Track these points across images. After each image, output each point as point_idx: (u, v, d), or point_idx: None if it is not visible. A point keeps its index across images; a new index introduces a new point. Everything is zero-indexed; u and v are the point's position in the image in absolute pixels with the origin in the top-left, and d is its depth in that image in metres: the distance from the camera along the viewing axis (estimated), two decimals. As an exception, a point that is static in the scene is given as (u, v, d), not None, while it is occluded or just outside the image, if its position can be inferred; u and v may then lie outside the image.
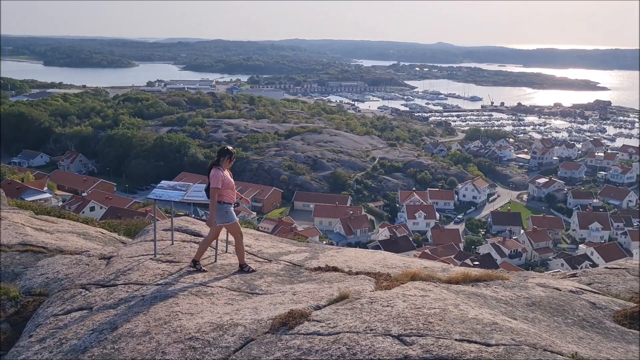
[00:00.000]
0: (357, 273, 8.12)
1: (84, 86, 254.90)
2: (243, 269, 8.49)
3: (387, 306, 5.47)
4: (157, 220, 11.55)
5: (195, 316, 6.59)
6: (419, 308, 5.22)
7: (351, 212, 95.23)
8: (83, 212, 60.85)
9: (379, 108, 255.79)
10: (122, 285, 8.01)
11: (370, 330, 5.02)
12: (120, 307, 7.21)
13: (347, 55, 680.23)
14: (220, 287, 7.75)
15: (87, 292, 7.96)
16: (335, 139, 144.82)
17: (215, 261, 9.05)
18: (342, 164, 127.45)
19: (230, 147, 8.65)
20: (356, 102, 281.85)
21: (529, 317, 7.43)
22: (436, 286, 7.57)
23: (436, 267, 10.00)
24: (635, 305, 9.33)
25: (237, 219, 8.67)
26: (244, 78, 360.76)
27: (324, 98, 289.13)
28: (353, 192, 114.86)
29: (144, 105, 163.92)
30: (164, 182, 9.88)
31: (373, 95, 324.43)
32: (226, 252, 9.62)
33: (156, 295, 7.39)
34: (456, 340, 4.42)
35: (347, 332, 5.11)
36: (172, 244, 9.83)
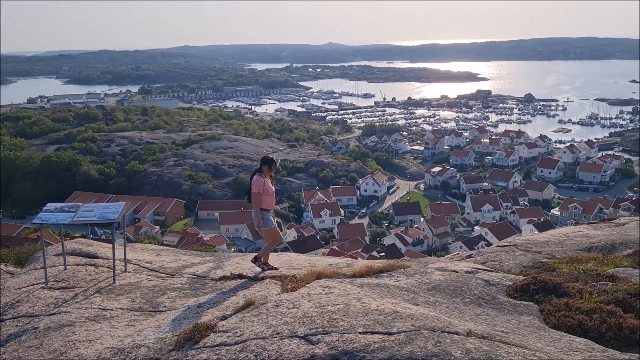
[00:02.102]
0: (262, 278, 8.09)
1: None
2: (256, 261, 8.69)
3: (293, 308, 5.50)
4: (50, 244, 10.82)
5: (94, 343, 6.24)
6: (323, 306, 5.30)
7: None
8: (-36, 245, 55.64)
9: (276, 111, 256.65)
10: (11, 320, 7.41)
11: (277, 334, 5.01)
12: (10, 344, 6.67)
13: (240, 60, 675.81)
14: (120, 308, 7.39)
15: (-31, 332, 7.28)
16: (235, 144, 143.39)
17: (113, 282, 8.63)
18: (244, 169, 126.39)
19: (272, 156, 8.83)
20: (253, 106, 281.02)
21: (430, 301, 7.77)
22: (341, 282, 7.72)
23: (341, 263, 10.19)
24: (524, 278, 10.06)
25: (275, 224, 8.76)
26: (135, 89, 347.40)
27: (220, 104, 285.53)
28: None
29: (26, 124, 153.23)
30: (50, 205, 9.27)
31: (269, 98, 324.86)
32: (125, 271, 9.21)
33: (49, 326, 6.91)
34: (360, 333, 4.53)
35: (254, 339, 5.07)
36: (66, 269, 9.25)
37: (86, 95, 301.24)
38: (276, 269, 8.58)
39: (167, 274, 9.14)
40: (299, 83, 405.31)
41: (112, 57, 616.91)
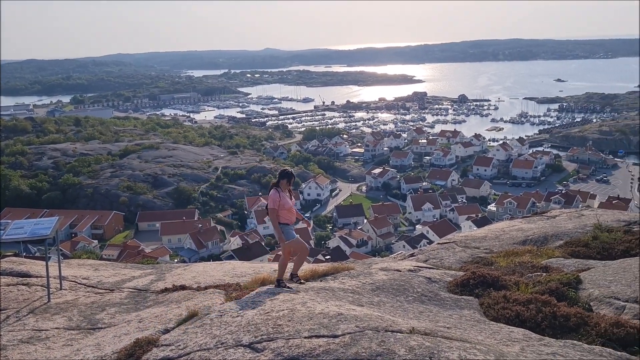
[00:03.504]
0: (206, 288, 7.95)
1: None
2: (292, 278, 8.36)
3: (237, 316, 5.41)
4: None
5: (28, 366, 5.93)
6: (268, 313, 5.25)
7: (200, 225, 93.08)
8: None
9: (215, 117, 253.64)
10: None
11: (222, 344, 4.92)
12: None
13: (176, 67, 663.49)
14: (56, 328, 7.07)
15: None
16: (174, 153, 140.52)
17: (48, 301, 8.25)
18: (185, 177, 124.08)
19: (290, 170, 8.55)
20: (192, 114, 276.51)
21: (374, 301, 7.86)
22: (286, 287, 7.70)
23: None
24: (464, 273, 10.34)
25: (297, 236, 8.39)
26: (66, 99, 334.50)
27: (158, 112, 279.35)
28: (199, 205, 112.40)
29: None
30: (-25, 223, 8.76)
31: (208, 105, 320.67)
32: (60, 289, 8.83)
33: (-22, 352, 6.52)
34: (305, 337, 4.51)
35: (198, 350, 4.96)
36: (-5, 290, 8.76)
37: (14, 106, 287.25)
38: (303, 283, 8.27)
39: (106, 289, 8.83)
40: (238, 89, 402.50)
41: (40, 66, 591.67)
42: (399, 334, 4.51)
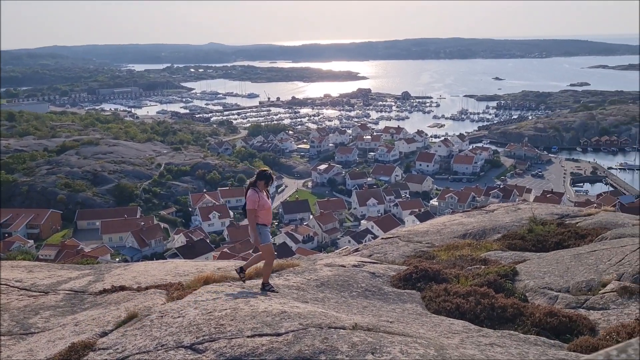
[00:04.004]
0: (147, 288, 7.74)
1: None
2: (265, 287, 7.78)
3: (179, 317, 5.27)
4: None
5: (-46, 376, 5.61)
6: (210, 312, 5.14)
7: (142, 223, 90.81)
8: None
9: (158, 113, 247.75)
10: None
11: (162, 346, 4.79)
12: None
13: (116, 60, 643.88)
14: (-15, 334, 6.71)
15: None
16: (115, 149, 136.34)
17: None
18: (126, 174, 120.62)
19: (269, 171, 8.23)
20: (133, 109, 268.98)
21: (319, 298, 7.88)
22: (230, 286, 7.60)
23: (230, 267, 10.05)
24: (407, 268, 10.53)
25: (272, 240, 8.06)
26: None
27: (97, 107, 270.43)
28: (142, 202, 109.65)
29: None
30: None
31: (150, 100, 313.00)
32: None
33: None
34: (248, 337, 4.45)
35: (137, 353, 4.81)
36: None
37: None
38: (276, 292, 7.78)
39: (40, 291, 8.47)
40: (181, 84, 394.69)
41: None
42: (342, 330, 4.52)
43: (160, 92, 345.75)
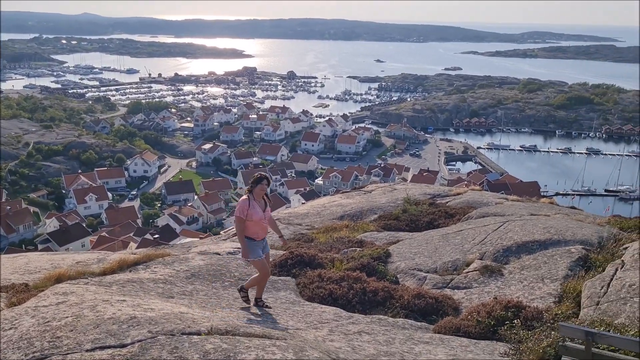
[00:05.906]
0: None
1: None
2: (257, 303, 7.22)
3: (10, 329, 4.54)
4: None
5: None
6: (48, 322, 4.50)
7: (8, 207, 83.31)
8: None
9: (25, 87, 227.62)
10: None
11: (-17, 367, 4.13)
12: None
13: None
14: None
15: None
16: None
17: None
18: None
19: (265, 174, 7.32)
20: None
21: (187, 291, 7.46)
22: (86, 283, 6.93)
23: (91, 260, 9.28)
24: (283, 253, 10.37)
25: (262, 256, 7.11)
26: None
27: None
28: (7, 185, 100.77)
29: None
30: None
31: (16, 73, 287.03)
32: None
33: None
34: (88, 350, 3.93)
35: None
36: None
37: None
38: (269, 307, 7.16)
39: None
40: (52, 57, 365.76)
41: None
42: (195, 336, 4.17)
43: (28, 64, 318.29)
